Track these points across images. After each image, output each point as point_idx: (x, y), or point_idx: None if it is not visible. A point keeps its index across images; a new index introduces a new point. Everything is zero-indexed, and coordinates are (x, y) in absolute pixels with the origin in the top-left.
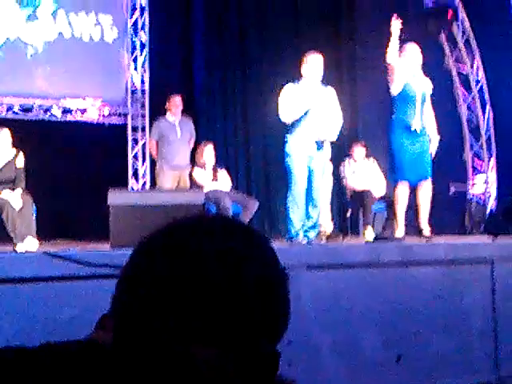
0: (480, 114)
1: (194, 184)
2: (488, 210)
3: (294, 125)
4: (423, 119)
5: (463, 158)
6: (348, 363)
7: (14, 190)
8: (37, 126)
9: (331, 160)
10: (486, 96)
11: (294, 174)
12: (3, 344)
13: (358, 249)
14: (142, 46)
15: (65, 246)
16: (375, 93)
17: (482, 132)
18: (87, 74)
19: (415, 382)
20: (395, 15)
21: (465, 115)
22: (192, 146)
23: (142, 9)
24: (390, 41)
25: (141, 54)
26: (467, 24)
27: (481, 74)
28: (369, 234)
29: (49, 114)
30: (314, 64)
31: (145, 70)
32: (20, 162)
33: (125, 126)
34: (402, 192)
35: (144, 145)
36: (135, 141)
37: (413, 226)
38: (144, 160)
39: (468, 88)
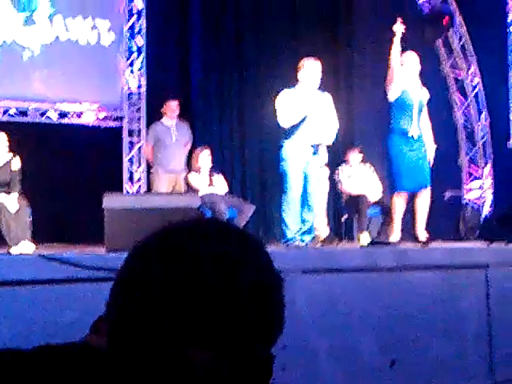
0: (475, 120)
1: (189, 188)
2: (483, 216)
3: (290, 130)
4: (420, 127)
5: (458, 163)
6: (344, 368)
7: (9, 193)
8: (33, 129)
9: (328, 165)
10: (483, 102)
11: (290, 178)
12: (0, 347)
13: (353, 253)
14: (139, 49)
15: (61, 249)
16: (372, 101)
17: (478, 138)
18: (84, 78)
19: None
20: (400, 19)
21: (460, 121)
22: (188, 150)
23: (139, 13)
24: (393, 44)
25: (137, 57)
26: (463, 30)
27: (477, 79)
28: (363, 238)
29: (45, 117)
30: (311, 70)
31: (141, 74)
32: (16, 165)
33: (120, 129)
34: (400, 201)
35: (140, 148)
36: (131, 144)
37: (408, 232)
38: (139, 164)
39: (464, 94)
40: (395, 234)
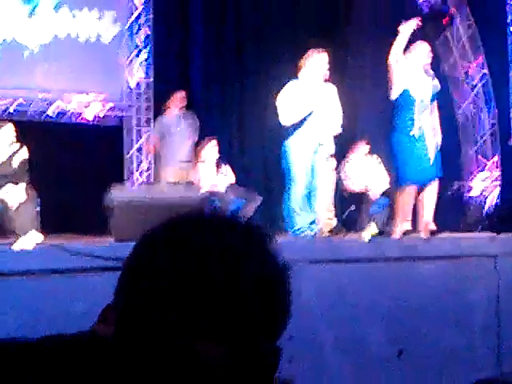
0: (475, 115)
1: (195, 179)
2: (485, 210)
3: (295, 125)
4: (426, 121)
5: (461, 157)
6: (352, 359)
7: (17, 184)
8: (36, 122)
9: (334, 156)
10: (490, 96)
11: (295, 171)
12: (7, 337)
13: (361, 244)
14: (143, 45)
15: (68, 239)
16: (373, 102)
17: (481, 133)
18: (87, 73)
19: (419, 378)
20: (417, 18)
21: (461, 117)
22: (195, 141)
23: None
24: (397, 40)
25: (137, 56)
26: (464, 27)
27: (477, 76)
28: (366, 235)
29: (48, 111)
30: (316, 62)
31: (148, 64)
32: (23, 156)
33: (126, 121)
34: (409, 195)
35: (146, 141)
36: (139, 134)
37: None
38: (146, 156)
39: (464, 91)
40: (404, 225)
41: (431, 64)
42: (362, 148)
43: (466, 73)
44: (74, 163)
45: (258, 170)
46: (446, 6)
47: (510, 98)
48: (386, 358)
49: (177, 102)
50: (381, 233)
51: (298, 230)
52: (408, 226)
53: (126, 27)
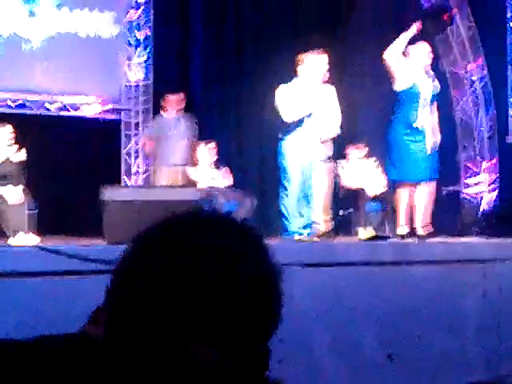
0: (473, 115)
1: (189, 181)
2: (480, 211)
3: (292, 124)
4: (425, 120)
5: (456, 158)
6: (346, 362)
7: (13, 185)
8: (34, 120)
9: (331, 158)
10: (489, 95)
11: (290, 172)
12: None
13: (354, 247)
14: (143, 46)
15: (63, 241)
16: (372, 99)
17: (475, 134)
18: (85, 71)
19: (413, 381)
20: (419, 21)
21: (459, 117)
22: (192, 143)
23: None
24: (398, 39)
25: (135, 53)
26: (464, 25)
27: (476, 76)
28: (361, 233)
29: (46, 108)
30: (314, 64)
31: (148, 64)
32: (21, 157)
33: (120, 121)
34: (404, 192)
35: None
36: (137, 135)
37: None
38: (138, 157)
39: (463, 89)
40: (401, 228)
41: (431, 64)
42: (360, 150)
43: (466, 72)
44: (71, 163)
45: (258, 169)
46: (447, 2)
47: (508, 98)
48: (380, 361)
49: (173, 103)
50: (377, 237)
51: (291, 233)
52: (404, 229)
53: (126, 27)
